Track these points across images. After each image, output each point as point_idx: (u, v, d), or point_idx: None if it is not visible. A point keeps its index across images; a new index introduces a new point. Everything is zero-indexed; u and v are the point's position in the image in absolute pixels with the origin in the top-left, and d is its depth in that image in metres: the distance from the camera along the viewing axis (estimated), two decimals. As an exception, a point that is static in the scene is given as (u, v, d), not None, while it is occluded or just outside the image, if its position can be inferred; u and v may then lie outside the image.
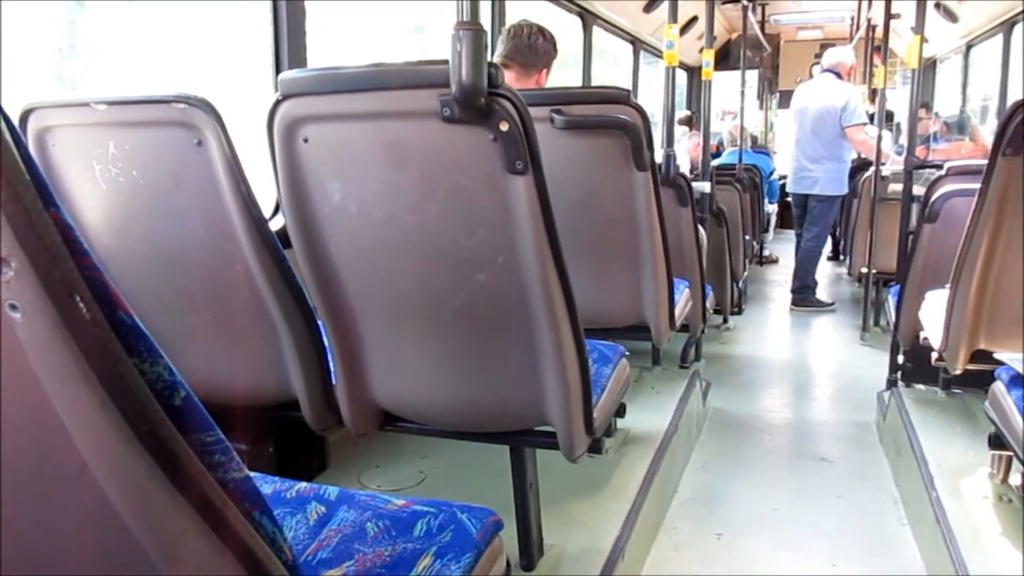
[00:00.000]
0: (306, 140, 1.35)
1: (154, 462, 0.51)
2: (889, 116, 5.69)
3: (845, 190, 5.32)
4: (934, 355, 2.17)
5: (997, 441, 1.77)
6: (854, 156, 5.88)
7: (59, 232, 0.46)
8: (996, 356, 1.84)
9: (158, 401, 0.51)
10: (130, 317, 0.50)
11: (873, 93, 4.84)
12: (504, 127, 1.20)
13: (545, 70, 2.57)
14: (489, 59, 1.19)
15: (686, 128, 6.98)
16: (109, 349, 0.48)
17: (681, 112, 7.60)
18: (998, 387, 1.77)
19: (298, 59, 2.39)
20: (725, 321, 4.70)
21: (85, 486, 0.51)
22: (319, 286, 1.49)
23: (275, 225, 1.66)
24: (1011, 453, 1.71)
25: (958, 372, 2.02)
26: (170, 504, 0.52)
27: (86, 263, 0.47)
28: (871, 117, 5.60)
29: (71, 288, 0.46)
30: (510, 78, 2.45)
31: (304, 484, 1.21)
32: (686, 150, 5.84)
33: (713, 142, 7.80)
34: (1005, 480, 2.05)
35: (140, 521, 0.53)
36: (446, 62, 1.17)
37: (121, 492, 0.52)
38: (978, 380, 1.97)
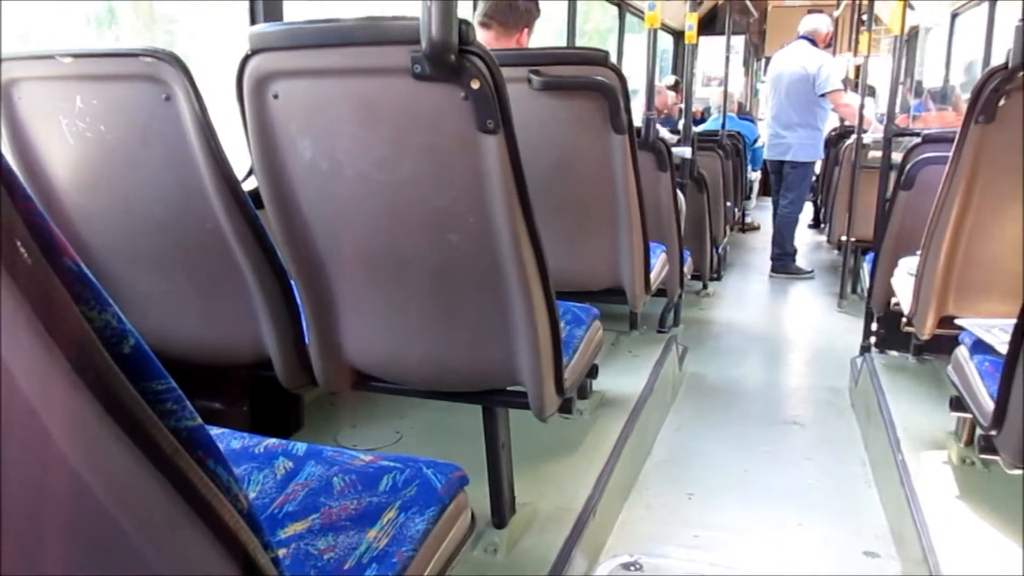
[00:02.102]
0: (276, 96, 1.33)
1: (103, 409, 0.51)
2: (872, 92, 5.68)
3: (819, 156, 5.35)
4: (904, 320, 2.20)
5: (958, 404, 1.81)
6: (835, 124, 5.88)
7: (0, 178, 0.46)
8: (957, 322, 1.87)
9: (106, 349, 0.51)
10: (76, 265, 0.50)
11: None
12: (475, 85, 1.19)
13: (527, 29, 2.53)
14: (473, 20, 1.18)
15: (672, 93, 6.97)
16: (53, 295, 0.48)
17: (667, 77, 7.57)
18: (961, 351, 1.80)
19: (274, 16, 2.34)
20: (704, 287, 4.73)
21: (33, 432, 0.52)
22: (291, 245, 1.49)
23: (249, 186, 1.65)
24: (972, 416, 1.74)
25: (926, 337, 2.05)
26: (119, 450, 0.52)
27: (29, 208, 0.47)
28: (855, 85, 5.59)
29: (11, 233, 0.45)
30: (490, 38, 2.41)
31: (273, 440, 1.22)
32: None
33: (699, 108, 7.78)
34: (968, 443, 2.09)
35: (89, 467, 0.53)
36: (417, 18, 1.16)
37: (69, 438, 0.52)
38: (948, 347, 2.01)
